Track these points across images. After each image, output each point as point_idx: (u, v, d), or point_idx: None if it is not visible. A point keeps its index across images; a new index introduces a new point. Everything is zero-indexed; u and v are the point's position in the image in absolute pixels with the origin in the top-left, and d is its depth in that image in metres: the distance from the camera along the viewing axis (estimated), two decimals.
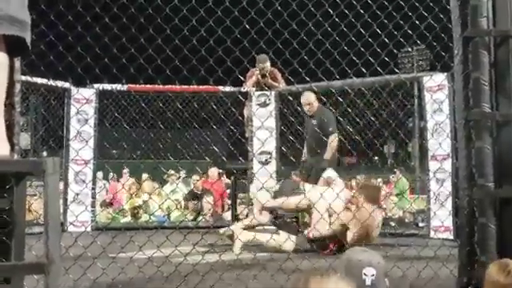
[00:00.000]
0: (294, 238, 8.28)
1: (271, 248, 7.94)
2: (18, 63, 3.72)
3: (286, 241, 7.88)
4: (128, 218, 12.95)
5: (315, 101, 10.24)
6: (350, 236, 7.85)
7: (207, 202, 13.39)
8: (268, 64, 11.81)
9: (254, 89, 11.99)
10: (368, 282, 3.00)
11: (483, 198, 4.32)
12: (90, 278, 5.08)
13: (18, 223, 3.14)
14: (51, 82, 10.93)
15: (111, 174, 16.45)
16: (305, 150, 10.56)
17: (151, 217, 12.55)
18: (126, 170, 15.08)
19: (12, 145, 3.41)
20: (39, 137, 12.43)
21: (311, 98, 10.21)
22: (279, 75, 11.86)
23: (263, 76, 11.91)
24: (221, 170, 15.53)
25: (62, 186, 10.49)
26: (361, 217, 7.49)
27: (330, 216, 8.00)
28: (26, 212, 3.42)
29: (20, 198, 3.15)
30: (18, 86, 3.80)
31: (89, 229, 10.73)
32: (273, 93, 11.85)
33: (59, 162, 2.89)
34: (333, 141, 9.95)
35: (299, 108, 10.98)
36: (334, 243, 8.11)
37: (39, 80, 10.66)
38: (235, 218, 13.30)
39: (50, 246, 2.75)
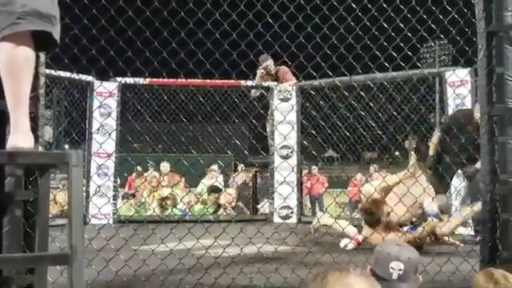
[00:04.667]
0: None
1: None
2: (42, 57, 3.75)
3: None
4: (150, 211, 12.97)
5: None
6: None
7: (228, 194, 13.42)
8: (270, 62, 11.91)
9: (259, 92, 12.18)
10: (394, 276, 2.99)
11: (506, 194, 4.30)
12: (112, 270, 5.12)
13: (42, 214, 3.18)
14: (74, 76, 10.97)
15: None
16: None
17: (174, 210, 12.61)
18: (165, 163, 15.03)
19: (36, 137, 3.45)
20: (62, 130, 12.48)
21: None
22: (288, 74, 11.92)
23: (269, 74, 12.04)
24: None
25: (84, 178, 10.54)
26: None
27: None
28: (49, 204, 3.45)
29: (44, 189, 3.18)
30: (42, 79, 3.84)
31: (111, 221, 10.76)
32: (294, 87, 11.87)
33: (82, 155, 2.92)
34: None
35: (321, 102, 10.97)
36: None
37: (62, 73, 10.71)
38: (255, 210, 13.35)
39: (73, 238, 2.78)
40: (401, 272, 3.00)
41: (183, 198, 12.63)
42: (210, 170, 14.66)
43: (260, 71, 12.06)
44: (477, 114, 8.87)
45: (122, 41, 5.39)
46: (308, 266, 5.31)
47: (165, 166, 14.55)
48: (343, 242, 7.74)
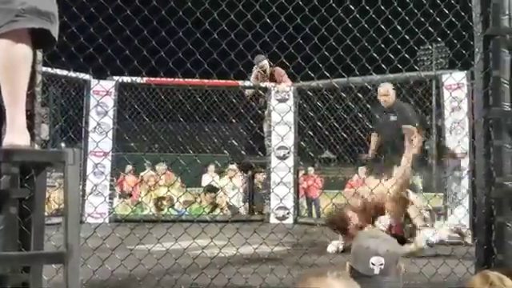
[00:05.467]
0: None
1: None
2: (39, 54, 3.75)
3: None
4: (147, 211, 12.94)
5: (393, 93, 9.39)
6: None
7: (224, 195, 13.41)
8: (265, 63, 11.97)
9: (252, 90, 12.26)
10: (376, 271, 2.95)
11: (501, 197, 4.30)
12: (107, 270, 5.12)
13: (38, 213, 3.17)
14: (71, 74, 10.95)
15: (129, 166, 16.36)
16: (371, 147, 10.04)
17: (171, 210, 12.60)
18: (162, 163, 15.00)
19: (32, 135, 3.44)
20: (58, 128, 12.45)
21: (389, 88, 9.37)
22: (284, 75, 11.98)
23: (263, 75, 12.10)
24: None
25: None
26: None
27: None
28: (45, 202, 3.45)
29: (40, 187, 3.17)
30: (39, 77, 3.83)
31: (107, 220, 10.74)
32: (292, 88, 11.89)
33: (79, 154, 2.91)
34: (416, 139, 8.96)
35: (319, 104, 10.97)
36: None
37: (59, 71, 10.68)
38: (252, 210, 13.33)
39: (69, 236, 2.78)
40: (382, 266, 2.96)
41: (179, 198, 12.63)
42: (230, 170, 14.68)
43: (255, 70, 12.10)
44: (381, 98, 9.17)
45: (119, 39, 5.39)
46: (304, 267, 5.32)
47: (161, 166, 14.54)
48: (330, 248, 7.67)
